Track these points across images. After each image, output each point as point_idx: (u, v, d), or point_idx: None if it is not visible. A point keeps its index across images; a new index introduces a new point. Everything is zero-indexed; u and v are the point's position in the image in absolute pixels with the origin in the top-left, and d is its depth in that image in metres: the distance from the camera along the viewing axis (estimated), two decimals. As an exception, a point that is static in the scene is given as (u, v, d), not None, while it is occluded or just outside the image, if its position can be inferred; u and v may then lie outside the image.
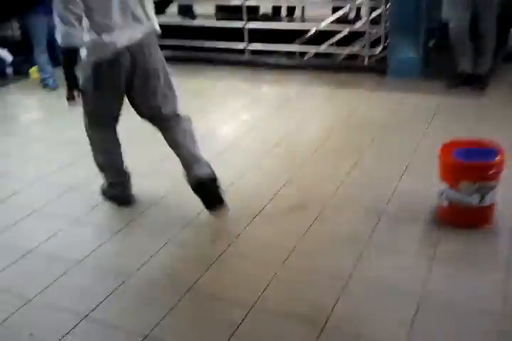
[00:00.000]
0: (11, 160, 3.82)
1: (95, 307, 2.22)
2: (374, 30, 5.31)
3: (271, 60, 5.76)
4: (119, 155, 2.97)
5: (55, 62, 5.26)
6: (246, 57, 5.71)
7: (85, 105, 2.72)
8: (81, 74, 2.61)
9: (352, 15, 6.77)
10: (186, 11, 7.69)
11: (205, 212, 2.88)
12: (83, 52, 2.53)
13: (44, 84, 5.29)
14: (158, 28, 2.72)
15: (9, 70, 5.70)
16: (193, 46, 6.05)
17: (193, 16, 7.61)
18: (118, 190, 3.03)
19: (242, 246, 2.62)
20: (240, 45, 5.77)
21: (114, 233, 2.78)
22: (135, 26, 2.55)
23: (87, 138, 2.92)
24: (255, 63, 5.62)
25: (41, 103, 5.17)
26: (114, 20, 2.46)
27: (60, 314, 2.21)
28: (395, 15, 4.86)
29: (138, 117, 2.90)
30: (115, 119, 2.87)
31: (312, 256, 2.49)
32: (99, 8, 2.42)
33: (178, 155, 2.87)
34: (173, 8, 7.49)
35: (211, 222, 2.84)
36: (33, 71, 5.59)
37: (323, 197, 2.99)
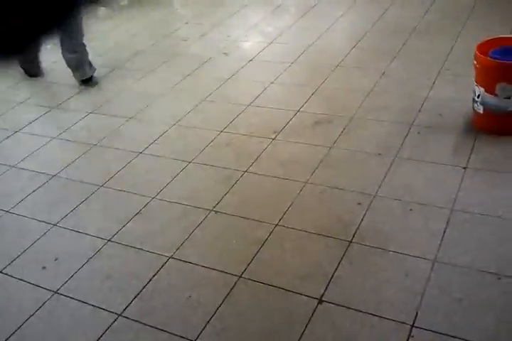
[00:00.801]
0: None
1: (120, 229, 2.22)
2: None
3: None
4: None
5: None
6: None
7: None
8: None
9: None
10: None
11: (226, 129, 2.80)
12: None
13: None
14: None
15: None
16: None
17: None
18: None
19: (266, 163, 2.53)
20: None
21: (133, 156, 2.73)
22: None
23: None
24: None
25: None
26: None
27: (84, 238, 2.21)
28: None
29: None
30: None
31: (339, 172, 2.39)
32: None
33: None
34: None
35: (235, 140, 2.74)
36: None
37: (350, 109, 2.83)
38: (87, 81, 3.54)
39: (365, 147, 2.52)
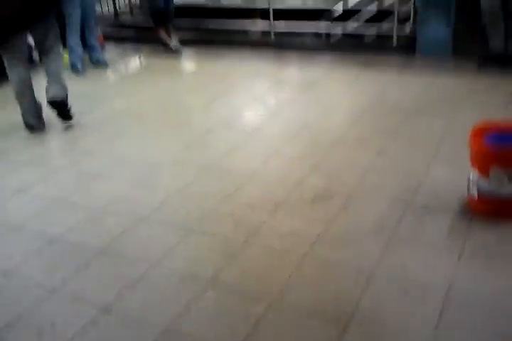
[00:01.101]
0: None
1: (117, 298, 2.22)
2: (403, 8, 5.14)
3: (296, 40, 5.63)
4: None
5: (84, 45, 5.29)
6: (271, 38, 5.60)
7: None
8: None
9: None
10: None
11: (227, 200, 2.86)
12: None
13: (73, 67, 5.28)
14: None
15: (35, 55, 5.69)
16: (216, 28, 5.96)
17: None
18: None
19: (264, 235, 2.57)
20: (265, 26, 5.65)
21: (137, 222, 2.77)
22: None
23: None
24: (280, 44, 5.51)
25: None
26: None
27: (81, 306, 2.21)
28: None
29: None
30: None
31: (336, 248, 2.44)
32: None
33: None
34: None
35: (234, 210, 2.80)
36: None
37: (349, 185, 2.92)
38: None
39: (363, 225, 2.58)
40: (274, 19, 5.57)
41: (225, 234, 2.60)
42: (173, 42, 5.71)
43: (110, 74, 5.42)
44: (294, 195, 2.89)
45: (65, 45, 5.36)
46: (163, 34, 5.65)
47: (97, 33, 5.57)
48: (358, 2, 6.05)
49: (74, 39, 5.25)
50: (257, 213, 2.76)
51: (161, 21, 5.64)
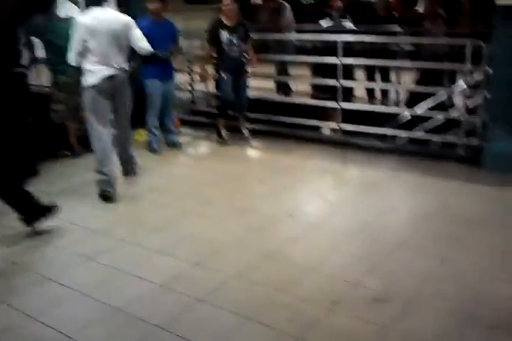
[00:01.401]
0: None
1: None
2: (471, 119, 5.29)
3: (362, 141, 5.84)
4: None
5: (162, 127, 5.68)
6: (337, 136, 5.84)
7: None
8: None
9: (448, 102, 6.80)
10: (283, 86, 8.07)
11: (284, 291, 2.91)
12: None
13: (150, 146, 5.65)
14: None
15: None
16: (285, 122, 6.27)
17: (288, 92, 7.96)
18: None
19: (318, 333, 2.58)
20: (332, 125, 5.91)
21: (195, 302, 2.84)
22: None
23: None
24: (346, 143, 5.72)
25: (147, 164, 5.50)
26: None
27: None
28: (495, 104, 4.82)
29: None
30: None
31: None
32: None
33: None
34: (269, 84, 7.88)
35: (290, 302, 2.83)
36: (139, 134, 5.98)
37: (408, 291, 2.92)
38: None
39: (422, 333, 2.55)
40: (343, 120, 5.83)
41: (279, 327, 2.62)
42: (244, 131, 6.04)
43: (182, 157, 5.74)
44: (350, 294, 2.91)
45: (143, 126, 5.80)
46: (220, 124, 6.00)
47: (174, 118, 5.97)
48: (426, 109, 6.28)
49: (153, 121, 5.66)
50: (312, 308, 2.79)
51: (224, 113, 6.01)
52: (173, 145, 5.85)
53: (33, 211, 3.65)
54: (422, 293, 2.90)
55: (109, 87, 4.25)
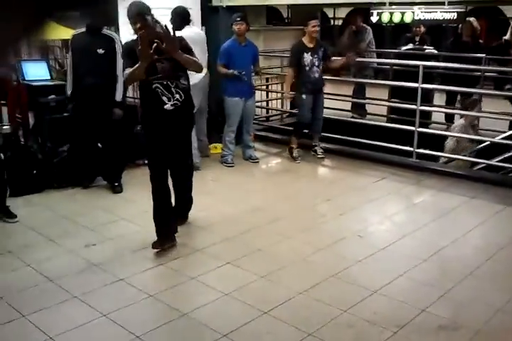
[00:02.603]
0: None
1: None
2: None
3: (437, 166, 5.73)
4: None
5: (240, 141, 5.87)
6: (412, 160, 5.76)
7: None
8: None
9: None
10: (358, 107, 8.08)
11: (349, 311, 2.90)
12: None
13: (224, 160, 5.84)
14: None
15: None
16: (360, 143, 6.26)
17: (363, 113, 7.95)
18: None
19: (383, 356, 2.56)
20: (408, 148, 5.84)
21: (261, 314, 2.89)
22: None
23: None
24: (421, 167, 5.63)
25: (220, 177, 5.66)
26: None
27: None
28: None
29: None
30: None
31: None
32: None
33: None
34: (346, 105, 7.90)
35: (355, 323, 2.82)
36: (213, 147, 6.20)
37: (476, 321, 2.83)
38: None
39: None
40: (419, 144, 5.75)
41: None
42: (318, 150, 6.09)
43: (254, 172, 5.85)
44: (418, 320, 2.86)
45: (220, 140, 5.99)
46: (293, 142, 6.07)
47: (252, 133, 6.13)
48: (506, 137, 6.10)
49: (229, 137, 5.85)
50: (377, 331, 2.76)
51: (299, 133, 6.08)
52: (250, 159, 6.01)
53: None
54: (491, 324, 2.81)
55: None
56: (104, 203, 4.64)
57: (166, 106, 3.54)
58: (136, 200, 4.67)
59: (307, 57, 5.77)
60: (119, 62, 4.60)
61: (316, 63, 5.80)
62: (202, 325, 2.79)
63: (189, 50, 3.56)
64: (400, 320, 2.85)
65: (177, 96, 3.56)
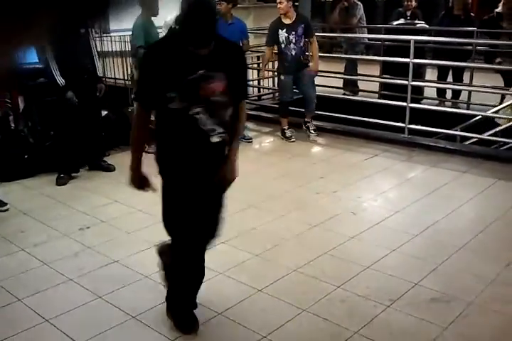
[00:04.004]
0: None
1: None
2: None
3: (429, 141, 5.74)
4: None
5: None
6: (404, 136, 5.76)
7: None
8: None
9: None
10: (350, 84, 8.04)
11: (342, 286, 2.93)
12: None
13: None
14: None
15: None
16: (352, 120, 6.25)
17: (355, 90, 7.92)
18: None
19: (375, 329, 2.60)
20: (400, 124, 5.84)
21: (255, 292, 2.91)
22: None
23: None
24: (413, 143, 5.63)
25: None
26: None
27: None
28: None
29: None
30: None
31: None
32: None
33: None
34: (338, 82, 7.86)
35: (348, 298, 2.86)
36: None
37: (470, 293, 2.87)
38: None
39: (479, 336, 2.52)
40: (411, 120, 5.75)
41: (335, 321, 2.66)
42: (310, 127, 6.07)
43: (248, 151, 5.82)
44: (410, 293, 2.89)
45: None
46: (283, 123, 6.03)
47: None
48: (495, 111, 6.10)
49: None
50: (370, 305, 2.80)
51: (285, 113, 6.04)
52: (244, 138, 5.97)
53: None
54: (483, 296, 2.85)
55: None
56: (97, 186, 4.64)
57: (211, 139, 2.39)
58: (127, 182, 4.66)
59: (282, 34, 5.65)
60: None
61: (293, 40, 5.65)
62: (199, 304, 2.81)
63: None
64: (392, 294, 2.88)
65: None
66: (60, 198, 4.35)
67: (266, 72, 6.67)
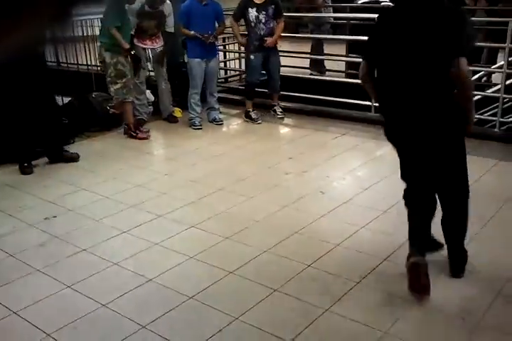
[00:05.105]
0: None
1: (200, 346, 2.33)
2: (508, 97, 5.17)
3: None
4: None
5: (205, 104, 5.79)
6: (372, 114, 5.78)
7: None
8: None
9: (486, 80, 6.65)
10: (317, 64, 8.01)
11: (313, 265, 2.95)
12: None
13: (192, 123, 5.76)
14: None
15: (150, 109, 6.23)
16: (320, 100, 6.24)
17: (322, 70, 7.89)
18: None
19: (347, 305, 2.62)
20: (367, 103, 5.85)
21: (226, 274, 2.91)
22: None
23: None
24: (380, 121, 5.64)
25: (190, 140, 5.59)
26: None
27: (168, 347, 2.33)
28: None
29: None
30: None
31: (418, 328, 2.44)
32: None
33: None
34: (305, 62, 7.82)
35: (319, 276, 2.88)
36: (177, 111, 6.11)
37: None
38: None
39: (447, 308, 2.56)
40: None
41: (307, 299, 2.67)
42: (277, 110, 6.04)
43: (216, 134, 5.79)
44: (380, 269, 2.93)
45: (185, 106, 5.89)
46: (248, 105, 6.00)
47: (216, 95, 6.02)
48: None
49: (194, 99, 5.76)
50: (340, 282, 2.82)
51: (251, 94, 6.00)
52: (215, 121, 5.93)
53: None
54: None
55: None
56: (62, 174, 4.55)
57: None
58: (94, 170, 4.60)
59: (252, 13, 5.60)
60: None
61: (263, 20, 5.63)
62: (168, 289, 2.80)
63: None
64: (362, 270, 2.91)
65: None
66: (24, 188, 4.25)
67: (233, 54, 6.56)
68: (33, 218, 3.69)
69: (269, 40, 5.67)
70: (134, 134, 5.42)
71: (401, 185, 4.05)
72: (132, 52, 5.32)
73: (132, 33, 5.54)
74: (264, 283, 2.81)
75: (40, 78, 4.60)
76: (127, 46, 5.23)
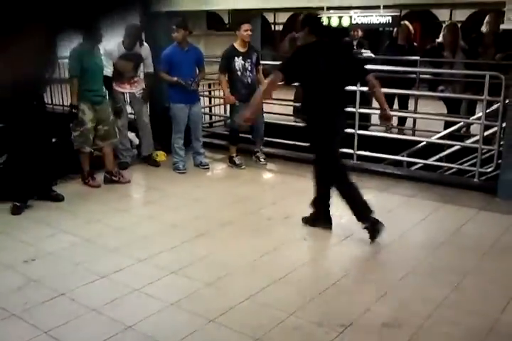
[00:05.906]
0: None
1: None
2: (486, 148, 5.31)
3: (377, 167, 5.87)
4: None
5: (190, 148, 5.83)
6: (353, 162, 5.87)
7: None
8: None
9: (465, 131, 6.83)
10: (300, 112, 8.17)
11: (294, 313, 2.92)
12: None
13: (176, 167, 5.78)
14: None
15: (134, 152, 6.26)
16: (302, 146, 6.33)
17: (305, 118, 8.03)
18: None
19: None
20: (348, 151, 5.95)
21: (207, 323, 2.86)
22: None
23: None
24: (361, 169, 5.74)
25: (173, 184, 5.59)
26: None
27: None
28: (511, 134, 4.83)
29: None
30: None
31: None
32: None
33: None
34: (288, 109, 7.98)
35: (301, 325, 2.84)
36: (161, 154, 6.15)
37: (419, 317, 2.91)
38: None
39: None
40: (359, 146, 5.88)
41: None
42: (260, 156, 6.11)
43: (200, 179, 5.80)
44: (361, 319, 2.91)
45: (169, 149, 5.92)
46: (232, 150, 6.07)
47: (201, 140, 6.08)
48: (441, 137, 6.32)
49: (178, 143, 5.81)
50: (323, 332, 2.79)
51: (235, 140, 6.08)
52: (201, 165, 5.97)
53: None
54: (432, 319, 2.89)
55: None
56: (44, 216, 4.50)
57: None
58: (75, 212, 4.56)
59: (238, 62, 5.75)
60: None
61: (249, 68, 5.79)
62: (147, 336, 2.74)
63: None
64: (344, 319, 2.89)
65: None
66: (4, 229, 4.19)
67: (218, 99, 6.68)
68: (12, 260, 3.62)
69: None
70: (86, 181, 5.23)
71: (383, 234, 4.11)
72: (73, 111, 5.07)
73: (110, 75, 5.52)
74: (246, 332, 2.77)
75: (41, 118, 4.67)
76: (74, 102, 5.06)
